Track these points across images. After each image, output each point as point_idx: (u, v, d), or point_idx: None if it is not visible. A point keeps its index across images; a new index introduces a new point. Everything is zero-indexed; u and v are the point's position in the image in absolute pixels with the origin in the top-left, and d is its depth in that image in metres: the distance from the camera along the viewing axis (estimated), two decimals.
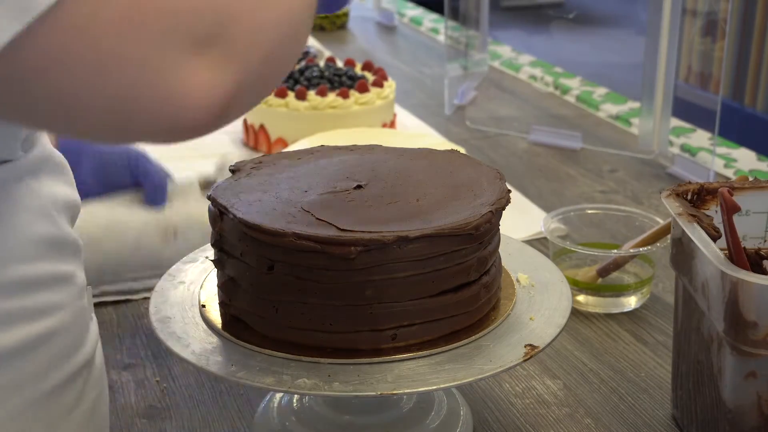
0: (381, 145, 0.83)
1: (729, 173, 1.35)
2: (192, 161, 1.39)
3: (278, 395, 0.79)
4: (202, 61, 0.41)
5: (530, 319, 0.71)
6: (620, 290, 0.99)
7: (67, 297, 0.57)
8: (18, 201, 0.54)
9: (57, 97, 0.41)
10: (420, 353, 0.66)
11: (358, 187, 0.73)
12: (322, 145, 0.83)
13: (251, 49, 0.44)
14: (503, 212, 0.72)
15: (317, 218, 0.67)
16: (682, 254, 0.75)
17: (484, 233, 0.69)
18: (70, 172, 0.62)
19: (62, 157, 0.61)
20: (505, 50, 2.05)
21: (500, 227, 0.74)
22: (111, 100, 0.41)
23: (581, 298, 0.99)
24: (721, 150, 1.42)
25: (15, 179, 0.54)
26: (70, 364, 0.57)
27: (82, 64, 0.39)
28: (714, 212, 0.77)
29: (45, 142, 0.58)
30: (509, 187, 0.73)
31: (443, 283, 0.68)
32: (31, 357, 0.54)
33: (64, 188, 0.59)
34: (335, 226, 0.65)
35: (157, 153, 1.42)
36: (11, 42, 0.38)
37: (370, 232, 0.65)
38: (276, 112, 1.39)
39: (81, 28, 0.39)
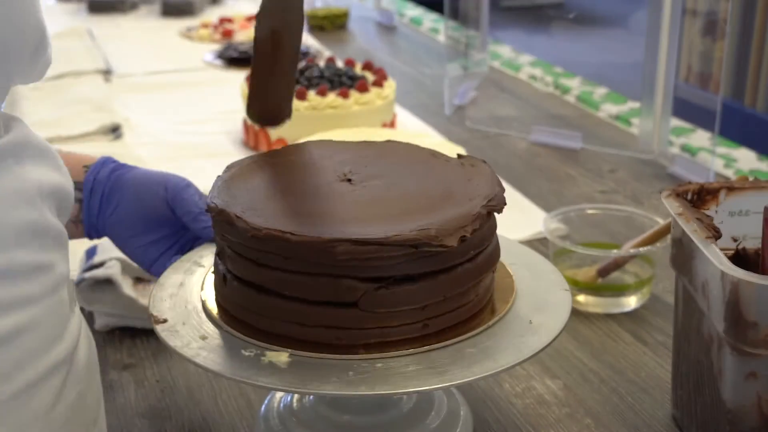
0: (376, 142, 0.83)
1: (729, 173, 1.35)
2: (192, 161, 1.40)
3: (278, 395, 0.79)
4: None
5: (530, 320, 0.71)
6: (620, 290, 0.99)
7: (42, 289, 0.54)
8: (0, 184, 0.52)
9: None
10: (419, 353, 0.66)
11: (354, 185, 0.73)
12: (319, 140, 0.83)
13: None
14: (503, 212, 0.72)
15: (312, 216, 0.67)
16: (682, 254, 0.75)
17: (481, 234, 0.69)
18: (58, 158, 0.60)
19: (46, 142, 0.59)
20: (505, 50, 2.05)
21: (500, 227, 0.74)
22: None
23: (581, 298, 0.99)
24: (721, 150, 1.42)
25: None
26: (43, 363, 0.54)
27: None
28: (714, 212, 0.77)
29: (23, 127, 0.57)
30: (509, 187, 0.73)
31: (440, 283, 0.68)
32: None
33: (51, 173, 0.58)
34: (330, 225, 0.65)
35: (156, 153, 1.42)
36: None
37: (366, 230, 0.65)
38: None
39: None
